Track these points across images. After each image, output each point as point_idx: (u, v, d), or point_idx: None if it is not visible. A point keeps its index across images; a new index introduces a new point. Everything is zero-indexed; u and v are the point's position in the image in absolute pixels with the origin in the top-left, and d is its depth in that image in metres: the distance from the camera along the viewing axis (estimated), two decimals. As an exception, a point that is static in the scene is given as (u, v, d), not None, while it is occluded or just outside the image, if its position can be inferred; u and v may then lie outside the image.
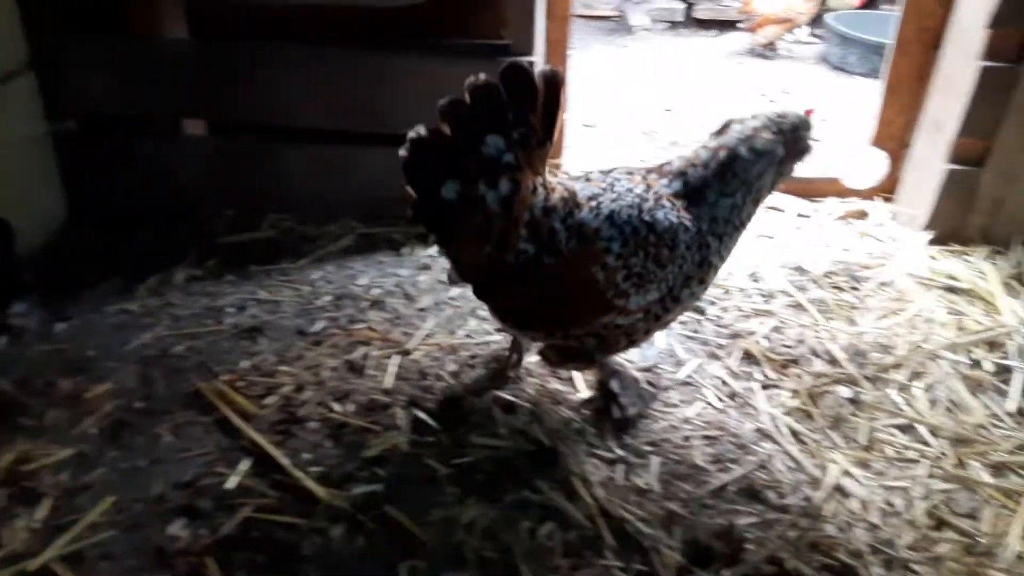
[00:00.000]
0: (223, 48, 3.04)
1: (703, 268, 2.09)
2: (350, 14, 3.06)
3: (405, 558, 1.90)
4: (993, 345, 2.59)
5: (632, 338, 2.16)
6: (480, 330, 2.70)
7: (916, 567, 1.86)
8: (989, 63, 2.80)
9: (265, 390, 2.41)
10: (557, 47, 3.25)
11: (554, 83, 1.89)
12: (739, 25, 6.33)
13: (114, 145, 3.22)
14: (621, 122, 4.58)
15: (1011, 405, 2.36)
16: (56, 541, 1.91)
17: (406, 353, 2.57)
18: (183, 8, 3.03)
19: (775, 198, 3.54)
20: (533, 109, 1.89)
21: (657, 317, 2.11)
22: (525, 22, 2.83)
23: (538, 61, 2.93)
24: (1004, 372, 2.48)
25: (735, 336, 2.65)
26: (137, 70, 3.07)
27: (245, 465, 2.15)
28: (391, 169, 3.15)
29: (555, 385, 2.46)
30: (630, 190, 2.06)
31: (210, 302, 2.82)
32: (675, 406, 2.37)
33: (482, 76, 1.86)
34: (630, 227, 1.99)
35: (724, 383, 2.46)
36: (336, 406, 2.35)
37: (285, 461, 2.13)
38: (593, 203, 2.03)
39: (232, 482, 2.09)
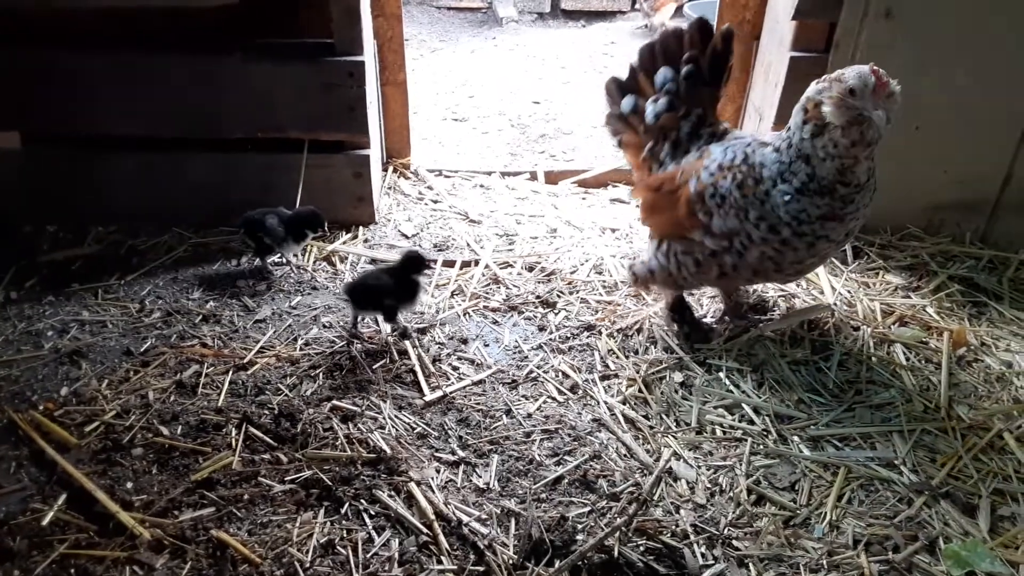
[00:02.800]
0: (28, 55, 2.84)
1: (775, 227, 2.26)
2: (166, 18, 2.90)
3: (234, 582, 1.84)
4: (814, 324, 2.75)
5: (723, 271, 2.40)
6: (323, 339, 2.64)
7: (737, 542, 1.95)
8: (799, 53, 2.97)
9: (86, 417, 2.27)
10: (392, 44, 3.21)
11: (727, 37, 2.47)
12: (638, 6, 6.58)
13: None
14: (491, 115, 4.59)
15: (828, 380, 2.50)
16: None
17: (242, 368, 2.49)
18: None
19: (619, 191, 3.64)
20: (703, 53, 2.49)
21: (740, 254, 2.33)
22: (349, 20, 2.78)
23: (367, 60, 2.89)
24: (824, 349, 2.63)
25: (581, 328, 2.70)
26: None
27: (62, 499, 2.02)
28: (222, 175, 3.07)
29: (399, 391, 2.44)
30: (770, 143, 2.32)
31: (27, 326, 2.63)
32: (517, 403, 2.40)
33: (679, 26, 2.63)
34: (731, 152, 2.34)
35: (566, 376, 2.51)
36: (164, 429, 2.24)
37: (101, 495, 2.01)
38: (733, 141, 2.43)
39: (47, 518, 1.96)
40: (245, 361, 2.50)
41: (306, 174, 3.01)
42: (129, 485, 2.07)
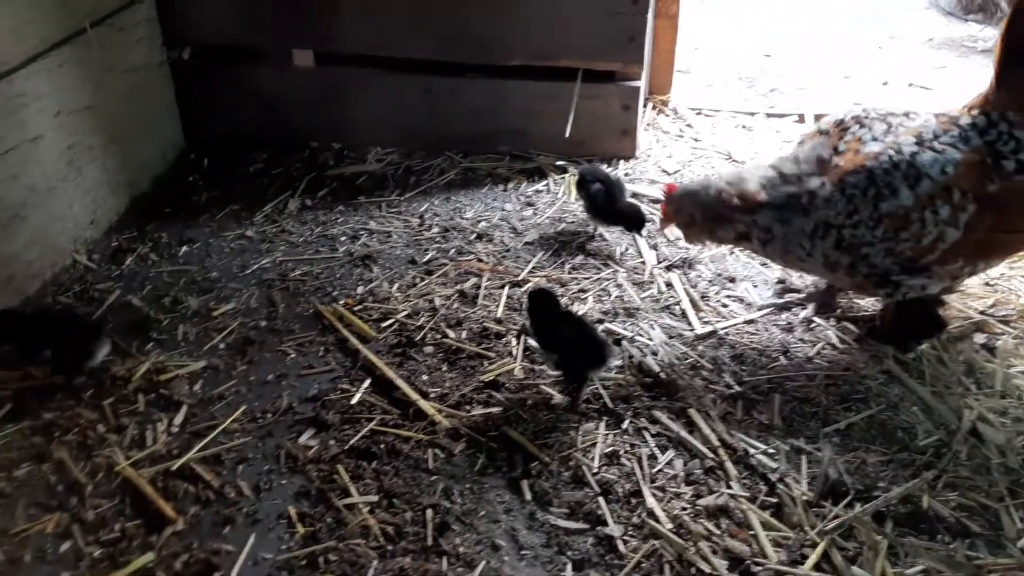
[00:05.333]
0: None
1: None
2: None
3: (526, 476, 1.92)
4: None
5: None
6: (588, 265, 2.68)
7: (1060, 513, 1.79)
8: None
9: (381, 315, 2.45)
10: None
11: None
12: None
13: (228, 74, 3.28)
14: (717, 68, 4.41)
15: None
16: (195, 444, 2.00)
17: (516, 284, 2.58)
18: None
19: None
20: None
21: None
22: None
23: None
24: None
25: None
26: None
27: (367, 383, 2.20)
28: (494, 101, 3.16)
29: (668, 321, 2.43)
30: None
31: (323, 231, 2.87)
32: (795, 346, 2.32)
33: None
34: None
35: (848, 327, 2.39)
36: (450, 332, 2.37)
37: (402, 383, 2.16)
38: None
39: (357, 398, 2.14)
40: (519, 279, 2.59)
41: (575, 104, 3.04)
42: (424, 378, 2.22)
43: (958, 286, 2.34)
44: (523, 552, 1.76)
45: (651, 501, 1.84)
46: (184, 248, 2.78)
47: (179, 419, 2.09)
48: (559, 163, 3.18)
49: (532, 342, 2.29)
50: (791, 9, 5.40)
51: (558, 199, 3.03)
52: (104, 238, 2.81)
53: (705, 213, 2.21)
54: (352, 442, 2.01)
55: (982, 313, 2.37)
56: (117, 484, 1.92)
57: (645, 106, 3.49)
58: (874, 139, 2.03)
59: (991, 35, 4.31)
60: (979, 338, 2.28)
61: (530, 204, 3.03)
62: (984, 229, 1.97)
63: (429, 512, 1.83)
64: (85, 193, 2.72)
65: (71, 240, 2.67)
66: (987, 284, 2.50)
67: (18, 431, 2.06)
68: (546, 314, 2.16)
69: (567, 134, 3.03)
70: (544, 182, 3.13)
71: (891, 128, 2.04)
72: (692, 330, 2.39)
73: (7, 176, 2.36)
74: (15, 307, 2.38)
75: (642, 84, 3.08)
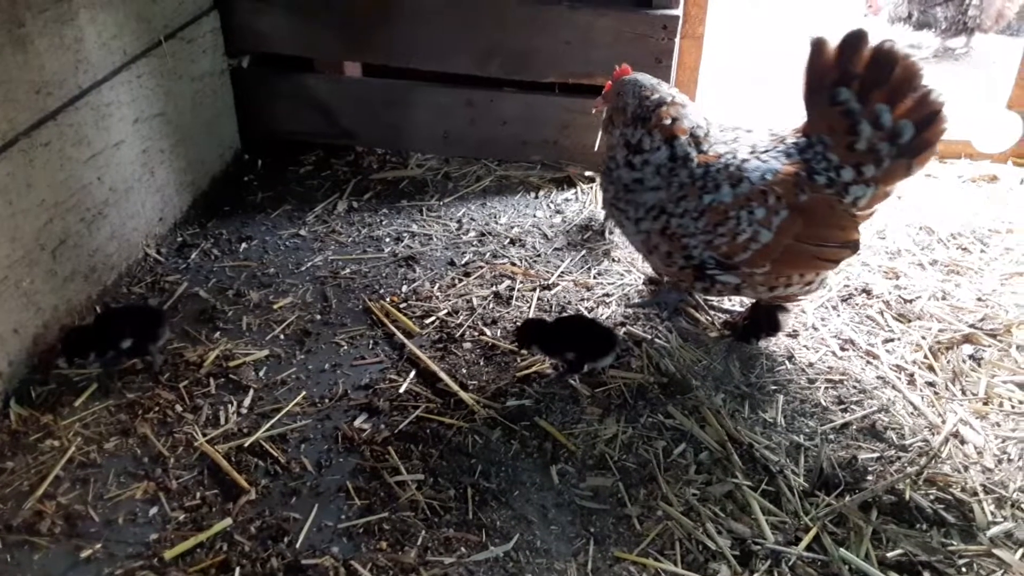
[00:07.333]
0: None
1: None
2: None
3: (555, 462, 2.18)
4: (1120, 314, 2.64)
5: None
6: (612, 271, 2.92)
7: (1027, 508, 2.02)
8: None
9: (424, 312, 2.71)
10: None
11: None
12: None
13: (282, 81, 3.53)
14: (735, 70, 4.59)
15: None
16: (263, 425, 2.27)
17: (546, 288, 2.82)
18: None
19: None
20: None
21: None
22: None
23: (679, 14, 3.07)
24: None
25: (860, 291, 2.79)
26: (304, 11, 3.34)
27: (412, 374, 2.45)
28: (530, 114, 3.40)
29: (684, 325, 2.67)
30: None
31: (369, 232, 3.13)
32: (798, 351, 2.55)
33: None
34: None
35: (846, 334, 2.62)
36: (487, 330, 2.63)
37: (444, 376, 2.42)
38: None
39: (404, 387, 2.40)
40: (549, 283, 2.84)
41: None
42: (463, 371, 2.48)
43: (793, 298, 2.49)
44: (552, 527, 2.02)
45: (665, 487, 2.09)
46: (243, 245, 3.05)
47: (247, 401, 2.36)
48: (587, 173, 3.42)
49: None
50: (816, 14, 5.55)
51: (585, 208, 3.28)
52: (170, 234, 3.08)
53: (637, 111, 2.35)
54: (401, 427, 2.27)
55: (971, 326, 2.59)
56: (196, 457, 2.19)
57: (668, 120, 3.71)
58: (723, 143, 2.32)
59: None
60: (967, 349, 2.51)
61: (559, 212, 3.27)
62: (793, 235, 2.22)
63: (470, 490, 2.09)
64: (155, 192, 2.99)
65: (143, 235, 2.94)
66: (979, 299, 2.73)
67: (104, 409, 2.33)
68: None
69: (596, 147, 3.26)
70: (573, 191, 3.37)
71: (737, 139, 2.33)
72: (707, 333, 2.63)
73: (94, 178, 2.63)
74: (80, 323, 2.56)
75: (666, 102, 3.30)
